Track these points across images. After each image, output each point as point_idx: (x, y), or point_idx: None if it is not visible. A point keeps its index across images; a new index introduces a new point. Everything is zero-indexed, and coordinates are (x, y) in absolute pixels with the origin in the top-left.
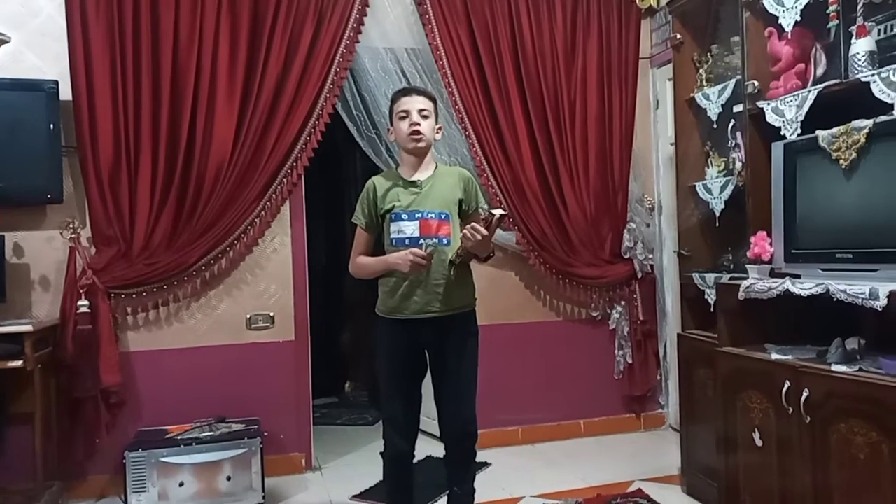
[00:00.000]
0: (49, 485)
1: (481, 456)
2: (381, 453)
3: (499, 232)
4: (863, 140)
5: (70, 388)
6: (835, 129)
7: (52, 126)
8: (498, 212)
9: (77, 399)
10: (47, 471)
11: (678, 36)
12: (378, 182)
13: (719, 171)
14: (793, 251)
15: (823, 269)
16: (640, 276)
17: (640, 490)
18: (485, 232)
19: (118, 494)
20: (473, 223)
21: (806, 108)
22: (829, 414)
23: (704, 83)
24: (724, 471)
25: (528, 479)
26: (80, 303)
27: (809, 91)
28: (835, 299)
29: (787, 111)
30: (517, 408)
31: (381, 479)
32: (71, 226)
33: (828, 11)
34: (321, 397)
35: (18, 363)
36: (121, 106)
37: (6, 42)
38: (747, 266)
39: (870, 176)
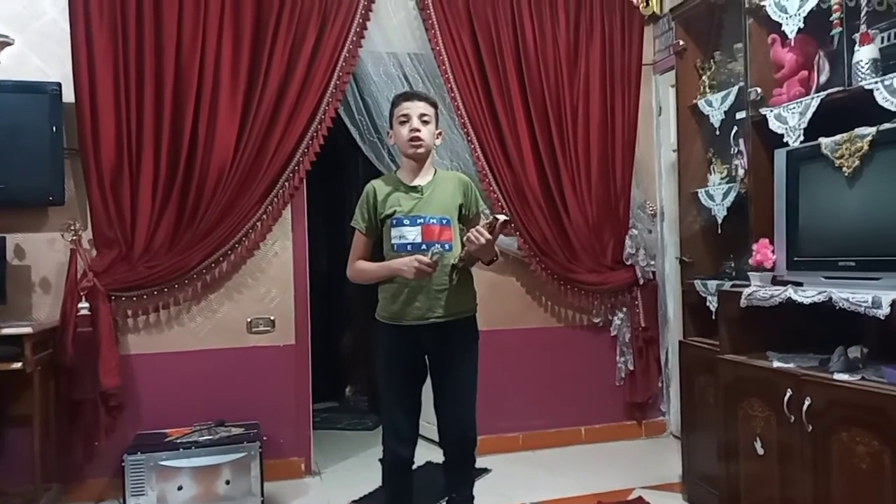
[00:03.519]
0: (48, 487)
1: (481, 462)
2: (380, 460)
3: (500, 237)
4: (866, 148)
5: (69, 390)
6: (838, 137)
7: (54, 128)
8: (502, 217)
9: (76, 401)
10: (46, 473)
11: (681, 42)
12: (378, 186)
13: (722, 178)
14: (795, 259)
15: (826, 277)
16: (641, 282)
17: (640, 498)
18: (489, 236)
19: (117, 498)
20: (478, 227)
21: (809, 115)
22: (831, 423)
23: (707, 90)
24: (725, 479)
25: (528, 485)
26: (80, 305)
27: (812, 98)
28: (837, 307)
29: (789, 118)
30: (517, 414)
31: (381, 484)
32: (72, 228)
33: (831, 19)
34: (321, 402)
35: (18, 365)
36: (123, 109)
37: (9, 44)
38: (749, 273)
39: (873, 184)
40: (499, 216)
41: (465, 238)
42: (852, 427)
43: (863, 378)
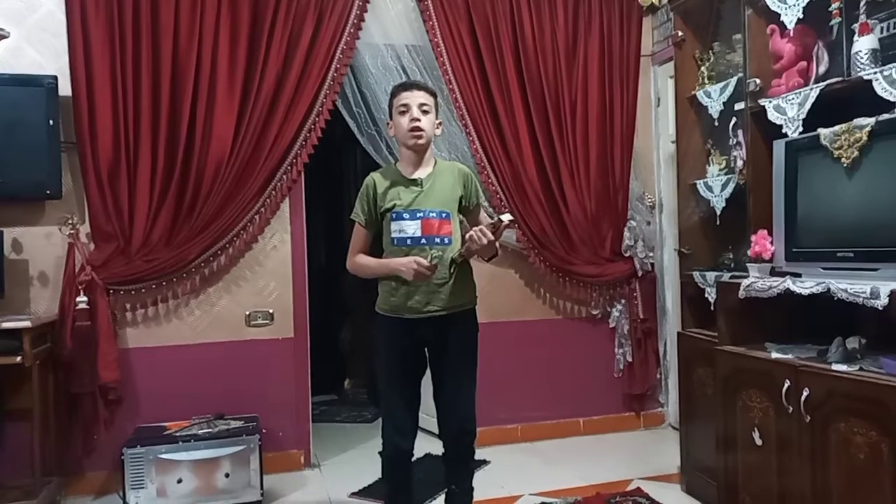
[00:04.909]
0: (47, 481)
1: (480, 454)
2: (379, 452)
3: None
4: (865, 138)
5: (68, 384)
6: (837, 128)
7: (51, 122)
8: (507, 218)
9: (75, 395)
10: (45, 467)
11: (680, 33)
12: (378, 179)
13: (720, 170)
14: (794, 250)
15: (824, 268)
16: (640, 274)
17: (639, 489)
18: (491, 237)
19: (116, 491)
20: (482, 227)
21: (808, 106)
22: (829, 413)
23: (706, 81)
24: (723, 470)
25: (527, 477)
26: (78, 299)
27: (811, 89)
28: (835, 298)
29: (788, 109)
30: (517, 406)
31: (380, 476)
32: (70, 222)
33: (830, 9)
34: (320, 394)
35: (17, 359)
36: (120, 102)
37: (5, 37)
38: (748, 265)
39: (871, 174)
40: (504, 217)
41: (466, 236)
42: (850, 417)
43: (861, 369)
